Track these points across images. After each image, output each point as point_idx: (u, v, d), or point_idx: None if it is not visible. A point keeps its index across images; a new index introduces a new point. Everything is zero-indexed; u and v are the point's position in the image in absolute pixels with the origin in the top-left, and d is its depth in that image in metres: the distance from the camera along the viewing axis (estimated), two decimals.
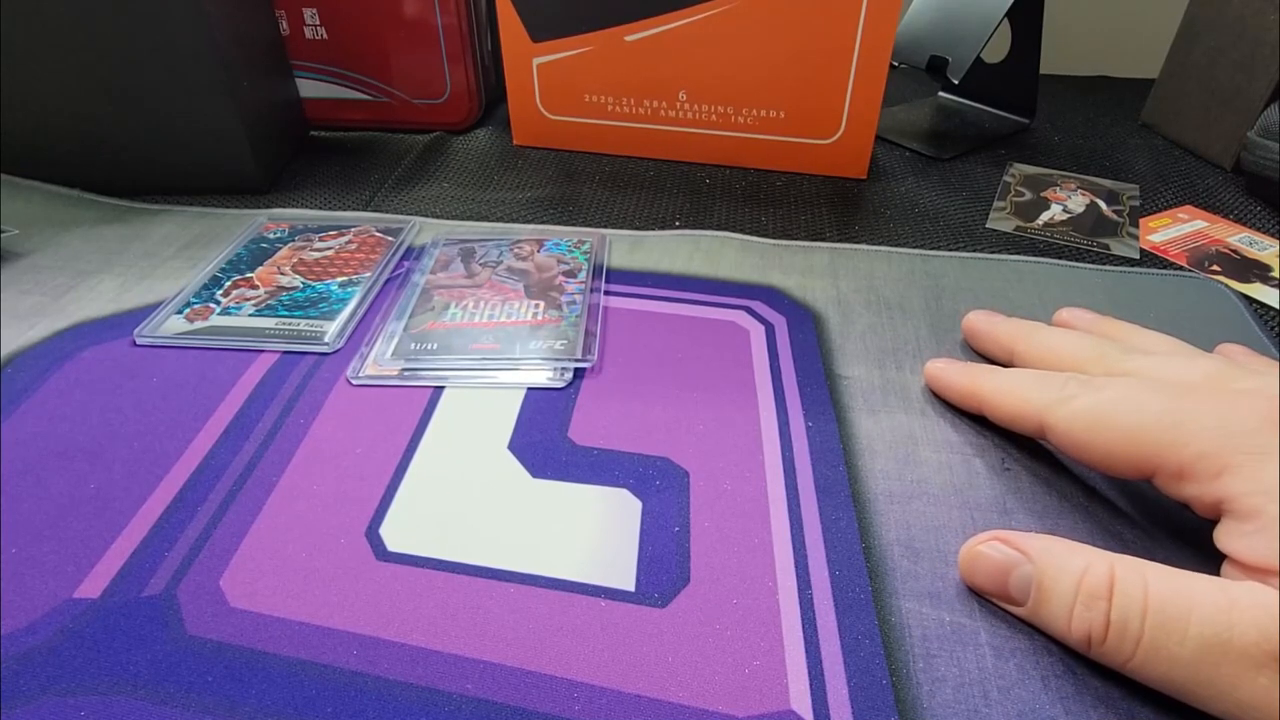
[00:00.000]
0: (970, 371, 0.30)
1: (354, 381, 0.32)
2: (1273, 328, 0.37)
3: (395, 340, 0.34)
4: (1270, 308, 0.38)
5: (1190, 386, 0.24)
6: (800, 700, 0.21)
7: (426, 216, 0.46)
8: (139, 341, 0.34)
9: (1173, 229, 0.46)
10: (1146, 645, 0.19)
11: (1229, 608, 0.18)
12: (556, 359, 0.33)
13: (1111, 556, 0.20)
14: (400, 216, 0.45)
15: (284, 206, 0.46)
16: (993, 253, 0.42)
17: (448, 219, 0.46)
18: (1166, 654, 0.19)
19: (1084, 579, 0.20)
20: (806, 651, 0.22)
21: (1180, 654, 0.19)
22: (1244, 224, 0.46)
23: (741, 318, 0.36)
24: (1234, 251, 0.43)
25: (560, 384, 0.32)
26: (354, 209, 0.47)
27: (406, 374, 0.33)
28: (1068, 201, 0.49)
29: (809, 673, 0.22)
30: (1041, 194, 0.49)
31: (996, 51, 0.56)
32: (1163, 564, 0.20)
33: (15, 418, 0.31)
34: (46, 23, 0.41)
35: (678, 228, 0.44)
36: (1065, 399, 0.25)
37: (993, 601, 0.23)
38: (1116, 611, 0.19)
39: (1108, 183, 0.51)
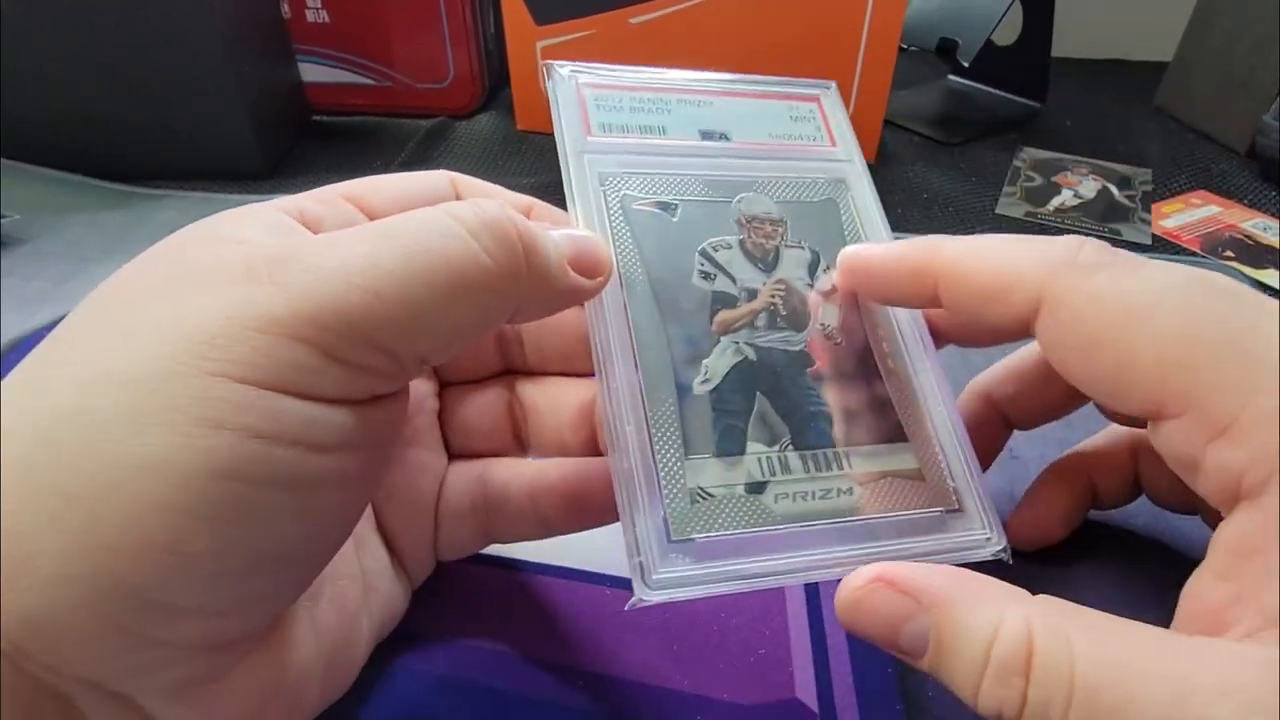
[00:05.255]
0: (917, 242, 0.21)
1: None
2: None
3: None
4: None
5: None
6: (805, 689, 0.21)
7: None
8: None
9: (1186, 214, 0.45)
10: None
11: (1184, 698, 0.13)
12: None
13: (1030, 608, 0.15)
14: None
15: (286, 193, 0.46)
16: None
17: None
18: None
19: (995, 644, 0.15)
20: (812, 640, 0.22)
21: None
22: (1258, 209, 0.46)
23: None
24: (1247, 237, 0.43)
25: None
26: None
27: None
28: (1079, 187, 0.48)
29: (814, 661, 0.22)
30: (1052, 179, 0.49)
31: (1007, 34, 0.55)
32: (1097, 611, 0.16)
33: None
34: (48, 5, 0.41)
35: None
36: (1086, 265, 0.18)
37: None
38: (1035, 691, 0.15)
39: (1120, 167, 0.50)
